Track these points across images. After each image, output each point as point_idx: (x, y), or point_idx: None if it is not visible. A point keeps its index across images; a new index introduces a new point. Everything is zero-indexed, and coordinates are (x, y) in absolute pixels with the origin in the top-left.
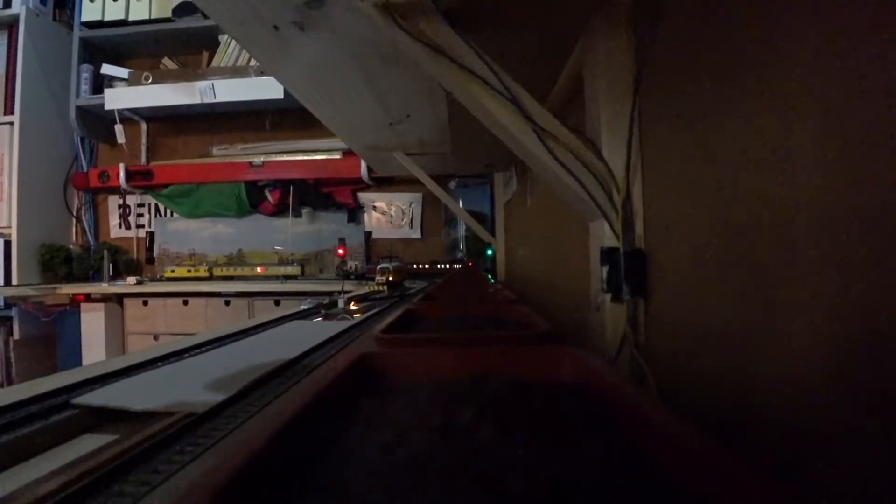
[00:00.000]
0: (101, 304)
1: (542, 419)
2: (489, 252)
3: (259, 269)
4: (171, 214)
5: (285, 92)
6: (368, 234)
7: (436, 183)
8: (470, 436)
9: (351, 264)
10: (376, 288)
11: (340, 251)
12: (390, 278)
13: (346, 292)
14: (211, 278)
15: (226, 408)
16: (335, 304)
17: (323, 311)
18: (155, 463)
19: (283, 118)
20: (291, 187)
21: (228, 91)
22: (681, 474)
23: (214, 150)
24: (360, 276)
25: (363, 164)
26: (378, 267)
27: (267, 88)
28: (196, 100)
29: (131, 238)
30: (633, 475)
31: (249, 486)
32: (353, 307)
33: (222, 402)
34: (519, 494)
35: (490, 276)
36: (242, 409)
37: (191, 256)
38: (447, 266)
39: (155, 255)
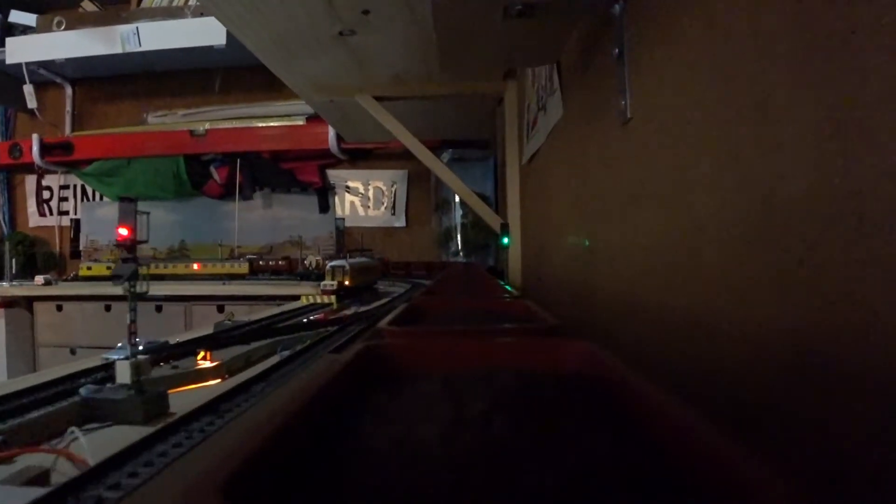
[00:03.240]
0: (2, 311)
1: (554, 411)
2: (504, 241)
3: (196, 267)
4: (102, 198)
5: (230, 37)
6: (340, 222)
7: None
8: (481, 427)
9: (310, 260)
10: (319, 299)
11: (124, 231)
12: (346, 283)
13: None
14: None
15: None
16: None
17: (82, 393)
18: None
19: (236, 78)
20: (239, 161)
21: (157, 37)
22: (693, 467)
23: (150, 118)
24: (321, 277)
25: (331, 133)
26: (329, 265)
27: (206, 32)
28: (118, 49)
29: (53, 227)
30: (644, 468)
31: (256, 480)
32: (205, 364)
33: None
34: (531, 487)
35: (504, 284)
36: None
37: (114, 250)
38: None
39: (81, 247)
